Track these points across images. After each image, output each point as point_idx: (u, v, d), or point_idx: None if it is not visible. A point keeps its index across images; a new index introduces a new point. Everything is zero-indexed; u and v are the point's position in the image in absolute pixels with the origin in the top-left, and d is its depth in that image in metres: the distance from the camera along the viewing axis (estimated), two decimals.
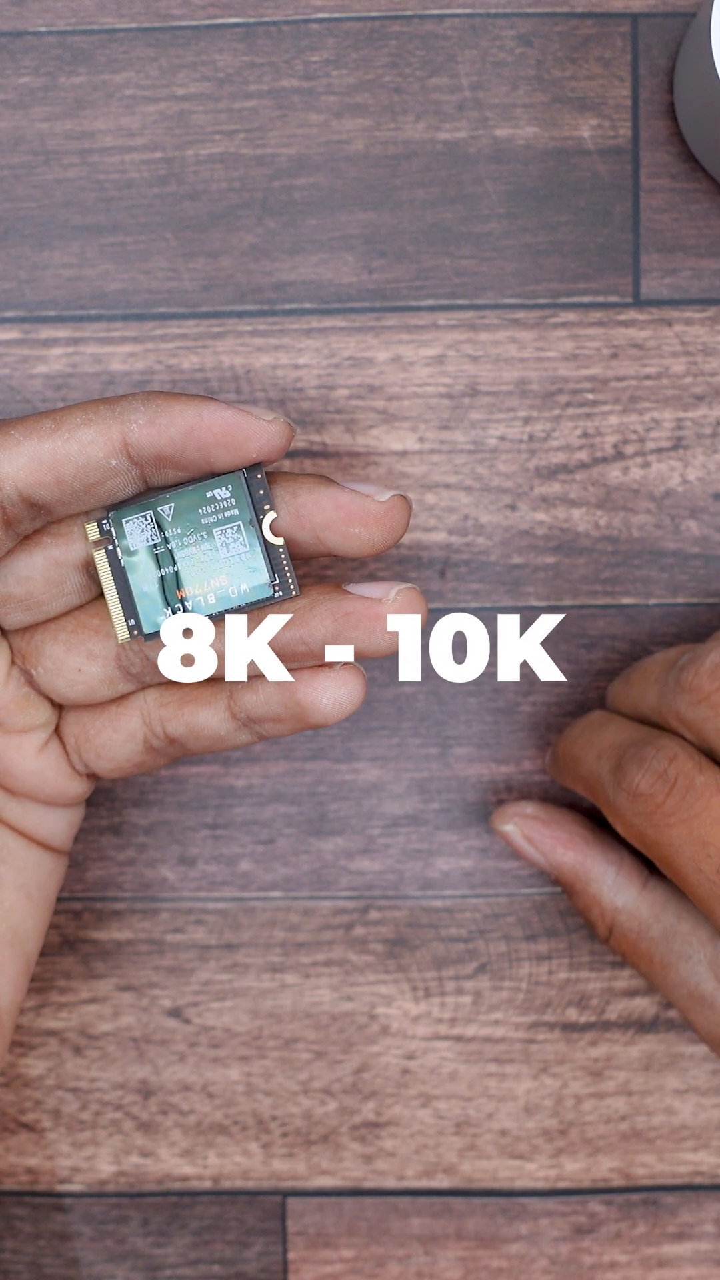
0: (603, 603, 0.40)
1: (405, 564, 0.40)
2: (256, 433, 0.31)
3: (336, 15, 0.40)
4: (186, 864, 0.41)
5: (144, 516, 0.32)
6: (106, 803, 0.41)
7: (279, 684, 0.33)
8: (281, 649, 0.32)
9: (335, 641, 0.32)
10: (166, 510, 0.32)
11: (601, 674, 0.41)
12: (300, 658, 0.32)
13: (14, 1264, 0.42)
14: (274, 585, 0.32)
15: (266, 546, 0.32)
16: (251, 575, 0.32)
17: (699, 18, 0.37)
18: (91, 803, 0.41)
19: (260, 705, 0.33)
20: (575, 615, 0.41)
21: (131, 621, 0.32)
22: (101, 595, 0.34)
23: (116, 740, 0.34)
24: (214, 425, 0.31)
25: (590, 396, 0.40)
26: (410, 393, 0.40)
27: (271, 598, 0.32)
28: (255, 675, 0.33)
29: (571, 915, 0.41)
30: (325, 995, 0.41)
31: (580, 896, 0.37)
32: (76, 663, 0.33)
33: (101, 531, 0.32)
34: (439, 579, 0.40)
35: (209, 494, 0.32)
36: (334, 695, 0.33)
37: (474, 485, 0.40)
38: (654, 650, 0.41)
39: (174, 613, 0.32)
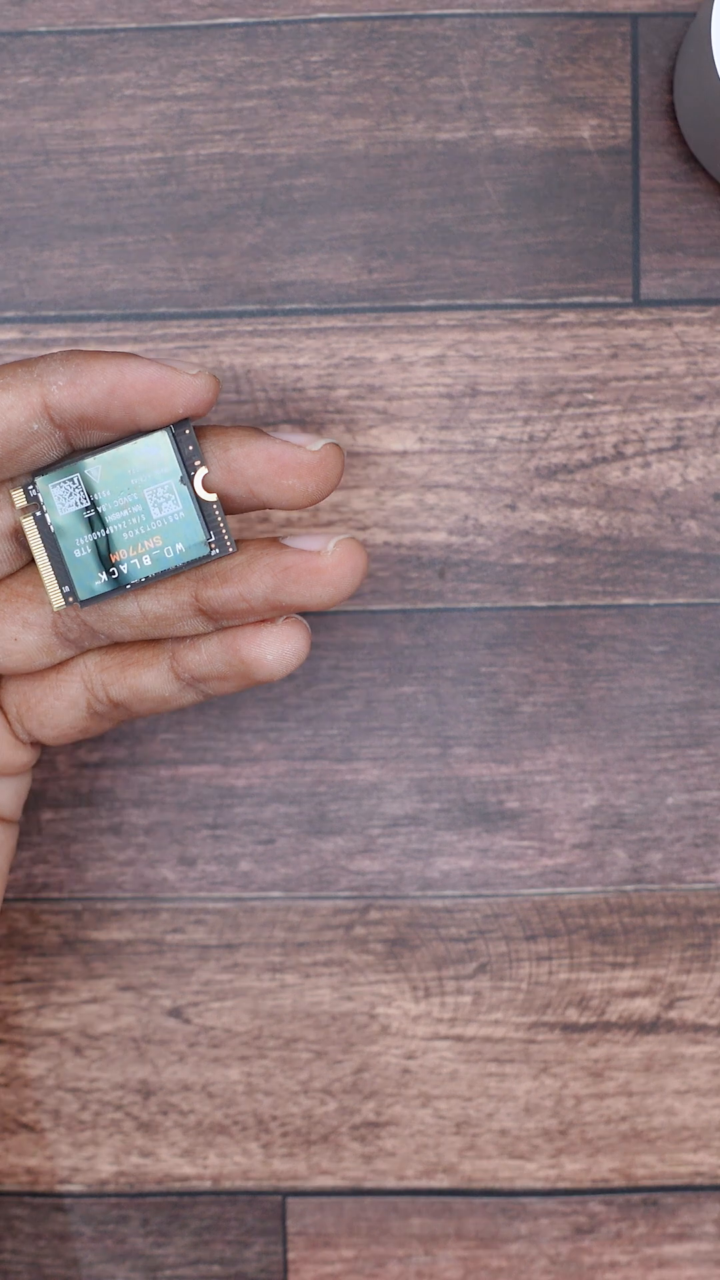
0: (603, 603, 0.40)
1: (405, 564, 0.40)
2: (182, 387, 0.30)
3: (336, 15, 0.40)
4: (186, 864, 0.41)
5: (71, 480, 0.31)
6: (106, 803, 0.41)
7: (221, 641, 0.32)
8: (222, 607, 0.31)
9: (276, 597, 0.31)
10: (94, 472, 0.31)
11: (602, 674, 0.41)
12: (241, 615, 0.32)
13: (14, 1264, 0.42)
14: (210, 543, 0.31)
15: (200, 504, 0.31)
16: (186, 534, 0.31)
17: (699, 18, 0.37)
18: (91, 803, 0.41)
19: (204, 664, 0.32)
20: (575, 615, 0.41)
21: (66, 589, 0.31)
22: (33, 562, 0.33)
23: (59, 707, 0.33)
24: (137, 382, 0.30)
25: (590, 396, 0.40)
26: (410, 393, 0.40)
27: (208, 555, 0.31)
28: (195, 632, 0.32)
29: (571, 915, 0.41)
30: (325, 995, 0.41)
31: None
32: (12, 631, 0.32)
33: (28, 498, 0.31)
34: (439, 579, 0.40)
35: (137, 453, 0.31)
36: (278, 650, 0.32)
37: (474, 485, 0.40)
38: (654, 651, 0.41)
39: (109, 577, 0.31)
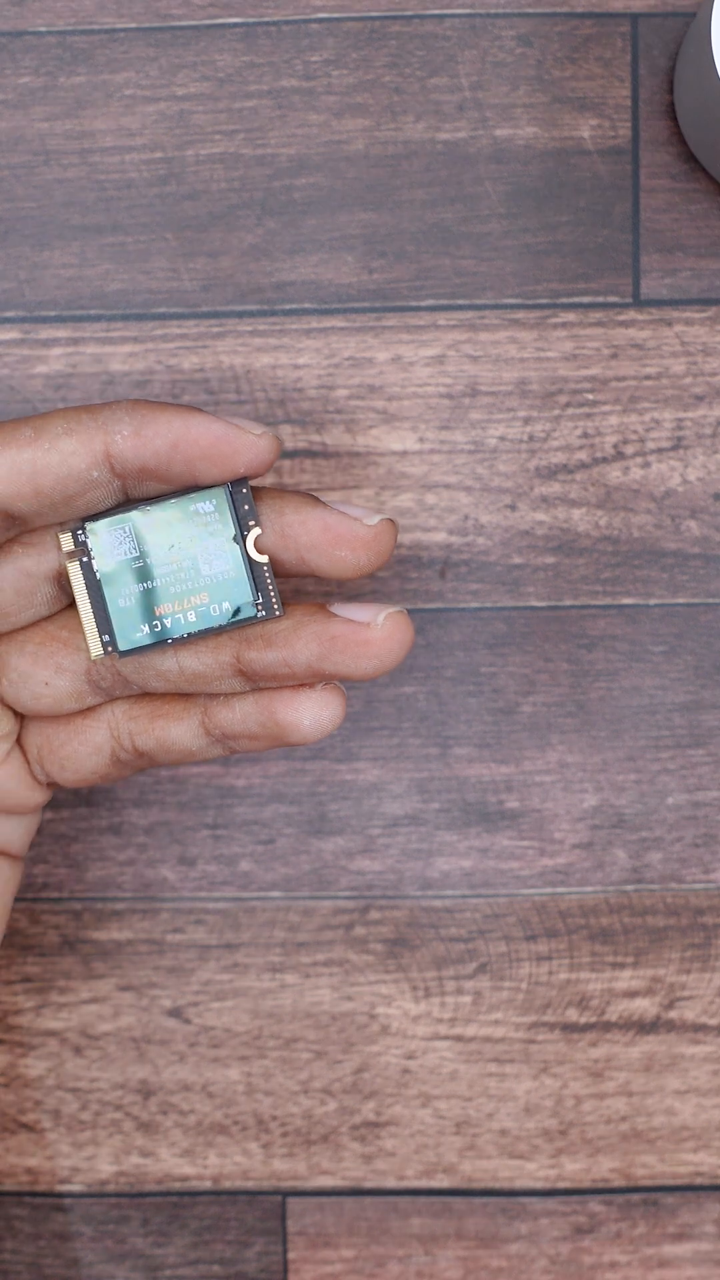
0: (603, 603, 0.40)
1: (405, 564, 0.40)
2: (245, 447, 0.30)
3: (336, 15, 0.40)
4: (186, 864, 0.41)
5: (122, 529, 0.31)
6: (106, 803, 0.41)
7: (257, 702, 0.32)
8: (263, 670, 0.31)
9: (320, 665, 0.31)
10: (146, 523, 0.31)
11: (602, 674, 0.41)
12: (281, 679, 0.31)
13: (14, 1264, 0.42)
14: (258, 605, 0.31)
15: (250, 564, 0.31)
16: (234, 594, 0.31)
17: (699, 18, 0.37)
18: (91, 803, 0.41)
19: (237, 723, 0.32)
20: (575, 615, 0.41)
21: (106, 637, 0.31)
22: (72, 606, 0.32)
23: (83, 753, 0.33)
24: (202, 438, 0.30)
25: (590, 396, 0.40)
26: (410, 393, 0.40)
27: (255, 617, 0.31)
28: (231, 691, 0.32)
29: (571, 915, 0.41)
30: (325, 995, 0.41)
31: None
32: (44, 676, 0.32)
33: (76, 543, 0.31)
34: (439, 579, 0.40)
35: (192, 508, 0.31)
36: (315, 716, 0.31)
37: (474, 485, 0.40)
38: (654, 651, 0.41)
39: (151, 630, 0.31)
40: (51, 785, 0.34)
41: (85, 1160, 0.41)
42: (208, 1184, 0.41)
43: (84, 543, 0.31)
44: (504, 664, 0.41)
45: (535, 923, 0.41)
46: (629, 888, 0.41)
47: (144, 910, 0.41)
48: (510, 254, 0.40)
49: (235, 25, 0.40)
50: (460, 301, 0.40)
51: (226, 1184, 0.41)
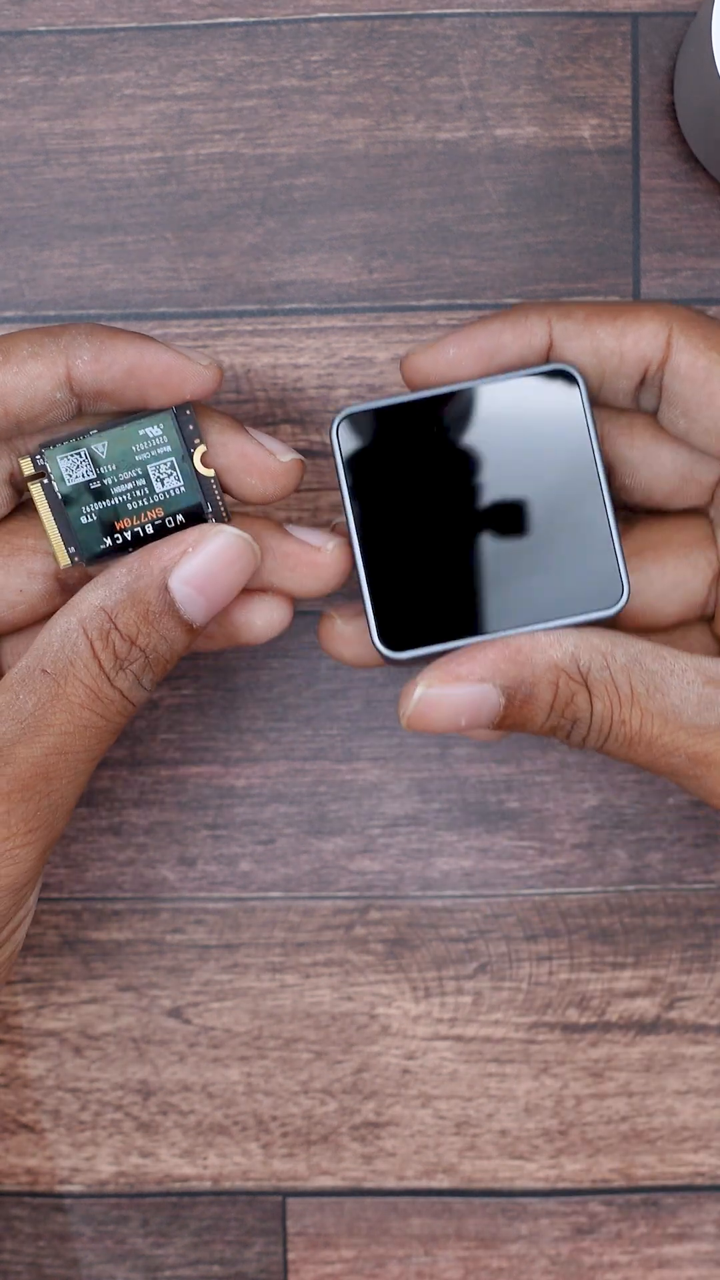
0: None
1: None
2: (193, 375, 0.33)
3: (336, 15, 0.40)
4: (186, 864, 0.41)
5: (78, 454, 0.33)
6: (106, 803, 0.41)
7: None
8: None
9: (269, 577, 0.34)
10: (100, 448, 0.33)
11: None
12: None
13: (14, 1264, 0.42)
14: (208, 514, 0.34)
15: (199, 478, 0.33)
16: (186, 507, 0.34)
17: (699, 18, 0.37)
18: (91, 803, 0.41)
19: None
20: None
21: (72, 549, 0.33)
22: (25, 510, 0.35)
23: None
24: (155, 366, 0.32)
25: None
26: None
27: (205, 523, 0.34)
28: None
29: (572, 915, 0.41)
30: (325, 995, 0.41)
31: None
32: (17, 584, 0.34)
33: (36, 466, 0.33)
34: None
35: (141, 432, 0.33)
36: (267, 617, 0.34)
37: None
38: None
39: (113, 543, 0.33)
40: None
41: (85, 1160, 0.41)
42: (208, 1184, 0.41)
43: (43, 465, 0.33)
44: None
45: (535, 923, 0.41)
46: (629, 888, 0.41)
47: (144, 910, 0.41)
48: (510, 254, 0.40)
49: (235, 25, 0.40)
50: (460, 301, 0.40)
51: (226, 1184, 0.41)
